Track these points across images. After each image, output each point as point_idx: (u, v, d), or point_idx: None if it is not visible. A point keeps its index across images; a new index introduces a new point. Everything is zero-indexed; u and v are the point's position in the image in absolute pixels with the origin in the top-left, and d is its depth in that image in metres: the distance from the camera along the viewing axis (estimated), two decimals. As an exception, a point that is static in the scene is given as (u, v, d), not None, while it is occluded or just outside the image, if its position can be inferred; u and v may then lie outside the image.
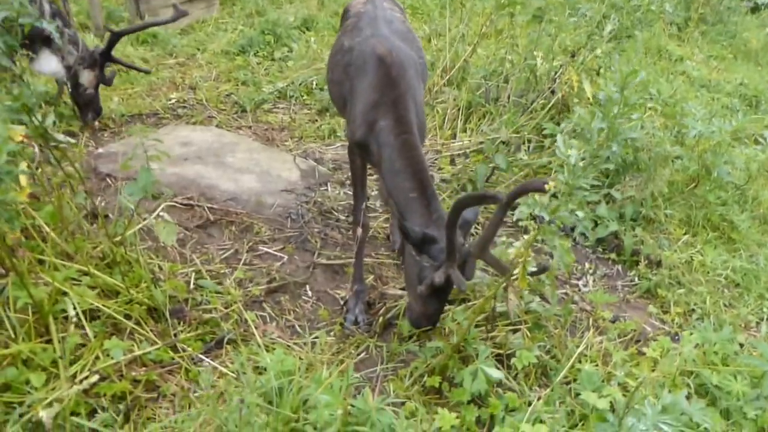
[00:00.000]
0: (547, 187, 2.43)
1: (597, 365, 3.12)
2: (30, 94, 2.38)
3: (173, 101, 5.84)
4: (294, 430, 2.43)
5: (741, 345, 3.50)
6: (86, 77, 4.81)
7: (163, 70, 6.51)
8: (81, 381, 2.61)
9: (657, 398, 2.92)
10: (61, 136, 2.65)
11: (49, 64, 4.63)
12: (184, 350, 2.99)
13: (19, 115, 2.44)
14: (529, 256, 2.78)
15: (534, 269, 2.79)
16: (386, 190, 3.10)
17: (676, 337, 3.53)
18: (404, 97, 3.11)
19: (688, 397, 2.99)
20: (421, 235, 2.78)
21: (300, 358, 2.88)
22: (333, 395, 2.37)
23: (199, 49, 7.04)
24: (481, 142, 4.89)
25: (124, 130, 5.19)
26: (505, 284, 3.01)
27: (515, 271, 2.77)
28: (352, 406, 2.44)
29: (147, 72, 5.61)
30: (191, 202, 4.11)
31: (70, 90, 4.87)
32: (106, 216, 3.54)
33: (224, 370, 2.92)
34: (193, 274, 3.43)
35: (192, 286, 3.35)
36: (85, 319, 2.91)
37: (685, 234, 4.42)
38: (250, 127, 5.56)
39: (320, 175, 4.69)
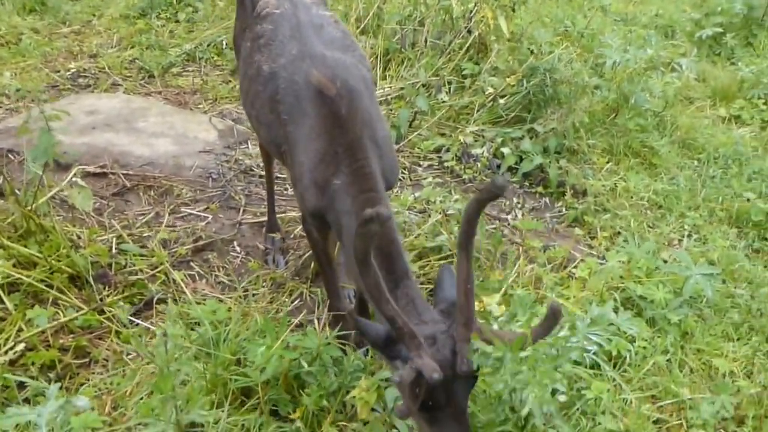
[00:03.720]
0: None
1: (529, 290, 3.37)
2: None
3: (73, 71, 5.76)
4: (237, 373, 2.57)
5: (665, 261, 3.83)
6: None
7: (57, 40, 6.38)
8: (6, 352, 2.68)
9: (586, 313, 3.21)
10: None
11: None
12: (112, 314, 3.07)
13: None
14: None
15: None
16: (351, 267, 2.54)
17: (604, 260, 3.82)
18: (361, 142, 2.48)
19: (615, 310, 3.29)
20: (384, 337, 2.12)
21: (230, 308, 3.00)
22: (270, 333, 2.51)
23: (95, 15, 6.91)
24: (402, 88, 5.06)
25: (21, 105, 5.12)
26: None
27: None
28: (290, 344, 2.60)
29: None
30: (104, 170, 4.14)
31: None
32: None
33: (156, 329, 3.03)
34: (114, 239, 3.51)
35: (114, 250, 3.43)
36: (3, 292, 2.97)
37: (608, 162, 4.73)
38: (160, 93, 5.55)
39: (239, 134, 4.77)
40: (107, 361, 2.95)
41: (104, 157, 4.25)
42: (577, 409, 2.78)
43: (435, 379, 1.95)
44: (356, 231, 1.89)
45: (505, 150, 4.55)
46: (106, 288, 3.21)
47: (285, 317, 2.61)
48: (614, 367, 3.02)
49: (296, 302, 3.27)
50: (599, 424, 2.75)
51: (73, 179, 3.54)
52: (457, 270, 2.09)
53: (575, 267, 3.66)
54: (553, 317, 1.98)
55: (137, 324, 3.08)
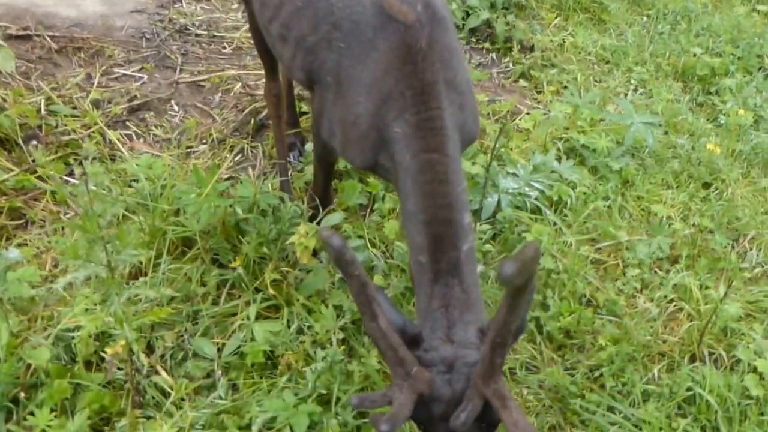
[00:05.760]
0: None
1: (472, 141, 3.35)
2: None
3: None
4: (176, 224, 2.54)
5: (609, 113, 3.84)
6: None
7: None
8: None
9: (529, 162, 3.22)
10: None
11: None
12: (46, 174, 2.97)
13: None
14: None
15: None
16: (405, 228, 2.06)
17: (549, 111, 3.80)
18: (436, 87, 1.98)
19: (558, 159, 3.31)
20: (410, 335, 1.74)
21: (167, 164, 2.94)
22: (202, 182, 2.46)
23: None
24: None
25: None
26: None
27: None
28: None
29: None
30: (28, 32, 3.90)
31: None
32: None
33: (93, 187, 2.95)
34: (43, 100, 3.35)
35: (43, 111, 3.28)
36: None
37: (556, 17, 4.65)
38: (84, -47, 5.18)
39: (173, -7, 4.52)
40: (44, 221, 2.88)
41: (26, 18, 3.98)
42: (517, 251, 2.84)
43: (382, 430, 1.52)
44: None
45: (452, 5, 4.40)
46: (37, 149, 3.09)
47: (215, 165, 2.54)
48: (555, 212, 3.07)
49: (238, 158, 3.21)
50: (539, 264, 2.81)
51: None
52: (496, 315, 1.57)
53: (520, 119, 3.64)
54: None
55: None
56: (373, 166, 2.13)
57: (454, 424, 1.61)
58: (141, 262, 2.43)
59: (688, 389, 2.44)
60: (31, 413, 2.08)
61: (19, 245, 2.76)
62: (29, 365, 2.20)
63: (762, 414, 2.42)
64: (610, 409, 2.38)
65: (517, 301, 1.49)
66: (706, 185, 3.54)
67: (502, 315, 1.52)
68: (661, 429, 2.32)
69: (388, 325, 1.65)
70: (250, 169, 3.11)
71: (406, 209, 1.95)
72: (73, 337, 2.27)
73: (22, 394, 2.16)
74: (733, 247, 3.21)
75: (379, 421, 1.52)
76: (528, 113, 3.72)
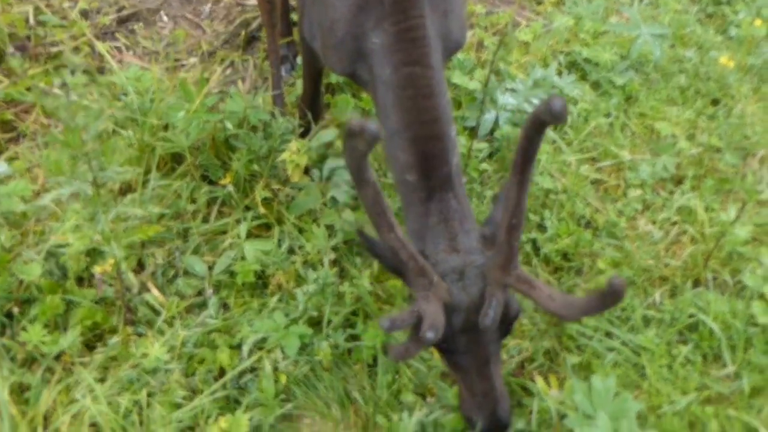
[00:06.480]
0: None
1: (469, 55, 3.22)
2: None
3: None
4: (164, 139, 2.47)
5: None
6: None
7: None
8: None
9: (528, 77, 3.10)
10: None
11: None
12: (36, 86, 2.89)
13: None
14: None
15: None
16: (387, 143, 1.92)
17: (550, 24, 3.61)
18: None
19: (558, 73, 3.17)
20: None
21: (159, 78, 2.84)
22: (190, 96, 2.38)
23: None
24: None
25: None
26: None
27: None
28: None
29: None
30: (14, -63, 3.71)
31: None
32: None
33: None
34: (32, 10, 3.22)
35: (32, 21, 3.16)
36: None
37: None
38: None
39: None
40: (36, 134, 2.82)
41: None
42: (514, 169, 2.76)
43: (428, 338, 1.54)
44: (343, 145, 1.47)
45: None
46: (27, 60, 2.99)
47: (203, 79, 2.44)
48: (555, 129, 2.96)
49: (228, 71, 3.10)
50: (537, 184, 2.73)
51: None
52: (505, 197, 1.58)
53: (519, 31, 3.48)
54: (613, 296, 1.46)
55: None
56: (351, 74, 2.02)
57: (484, 323, 1.63)
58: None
59: (691, 315, 2.34)
60: (24, 329, 2.09)
61: (11, 159, 2.72)
62: (22, 280, 2.20)
63: (768, 343, 2.33)
64: (608, 335, 2.30)
65: (529, 176, 1.51)
66: (714, 102, 3.40)
67: (514, 194, 1.53)
68: (660, 356, 2.24)
69: (405, 235, 1.63)
70: (240, 83, 3.01)
71: (387, 126, 1.83)
72: (64, 254, 2.25)
73: (16, 309, 2.16)
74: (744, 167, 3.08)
75: (425, 331, 1.53)
76: (527, 25, 3.55)
